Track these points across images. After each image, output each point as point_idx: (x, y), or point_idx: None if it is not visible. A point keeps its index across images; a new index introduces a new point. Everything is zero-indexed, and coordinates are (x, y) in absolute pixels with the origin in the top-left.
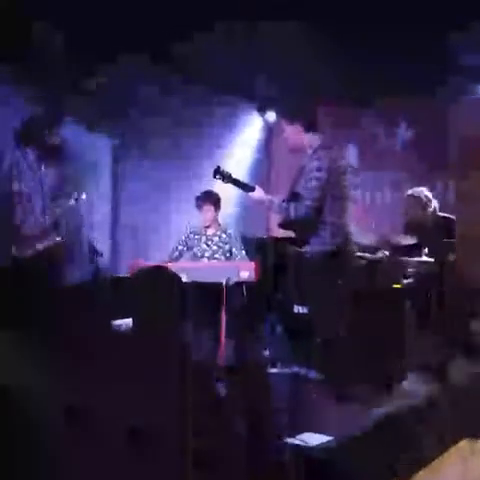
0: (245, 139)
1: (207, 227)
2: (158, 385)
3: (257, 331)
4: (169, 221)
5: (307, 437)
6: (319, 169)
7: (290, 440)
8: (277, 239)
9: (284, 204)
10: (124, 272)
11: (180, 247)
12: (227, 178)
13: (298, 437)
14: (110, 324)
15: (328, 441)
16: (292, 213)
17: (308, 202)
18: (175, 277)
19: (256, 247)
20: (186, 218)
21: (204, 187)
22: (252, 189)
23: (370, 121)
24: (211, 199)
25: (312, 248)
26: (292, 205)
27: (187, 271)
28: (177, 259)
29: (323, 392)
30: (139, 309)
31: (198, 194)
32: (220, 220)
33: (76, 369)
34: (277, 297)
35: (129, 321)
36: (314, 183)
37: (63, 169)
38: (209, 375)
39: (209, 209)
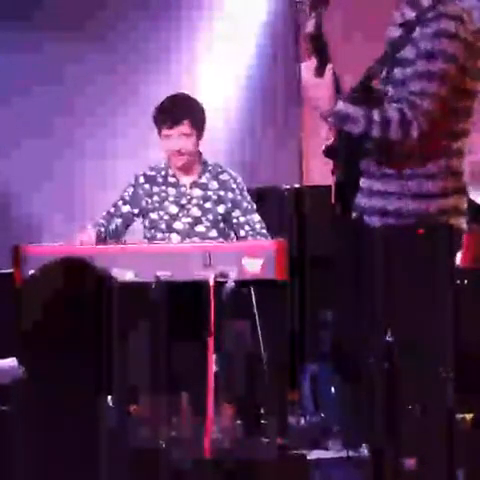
0: None
1: (181, 169)
2: None
3: (284, 390)
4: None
5: None
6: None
7: None
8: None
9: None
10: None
11: (124, 208)
12: None
13: None
14: None
15: None
16: (378, 124)
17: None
18: (105, 279)
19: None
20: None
21: (164, 90)
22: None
23: None
24: (189, 112)
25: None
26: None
27: (134, 263)
28: (115, 235)
29: None
30: (31, 344)
31: (159, 105)
32: (205, 156)
33: None
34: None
35: (10, 363)
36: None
37: None
38: None
39: (186, 132)
